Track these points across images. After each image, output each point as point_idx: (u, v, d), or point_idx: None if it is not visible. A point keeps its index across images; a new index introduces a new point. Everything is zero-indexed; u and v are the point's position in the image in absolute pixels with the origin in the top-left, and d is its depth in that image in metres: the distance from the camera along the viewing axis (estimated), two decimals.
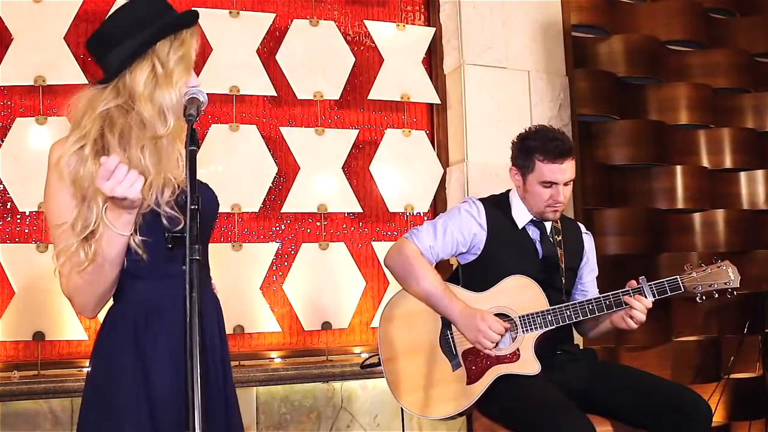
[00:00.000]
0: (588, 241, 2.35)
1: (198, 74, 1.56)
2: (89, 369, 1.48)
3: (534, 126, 2.24)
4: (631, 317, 2.03)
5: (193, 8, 1.50)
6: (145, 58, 1.41)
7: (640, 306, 2.01)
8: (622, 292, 2.04)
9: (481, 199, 2.27)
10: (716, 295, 2.06)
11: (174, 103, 1.40)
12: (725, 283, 2.03)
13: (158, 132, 1.39)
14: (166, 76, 1.41)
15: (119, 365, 1.40)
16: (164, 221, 1.37)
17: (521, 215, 2.22)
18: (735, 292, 2.06)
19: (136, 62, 1.40)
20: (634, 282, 2.05)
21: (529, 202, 2.20)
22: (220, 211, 1.70)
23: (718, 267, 2.04)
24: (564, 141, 2.14)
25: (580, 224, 2.40)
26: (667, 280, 2.03)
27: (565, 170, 2.13)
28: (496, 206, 2.25)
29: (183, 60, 1.43)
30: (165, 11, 1.45)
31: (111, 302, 1.48)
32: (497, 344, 2.04)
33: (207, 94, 1.41)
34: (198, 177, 1.55)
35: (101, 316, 1.51)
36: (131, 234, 1.36)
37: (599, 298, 2.06)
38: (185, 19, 1.45)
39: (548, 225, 2.24)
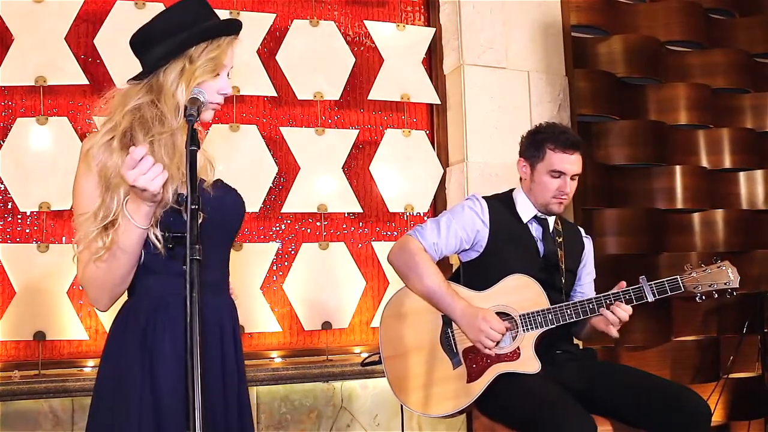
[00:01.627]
0: (587, 244, 2.38)
1: None
2: (100, 367, 1.48)
3: (544, 122, 2.32)
4: (611, 323, 2.05)
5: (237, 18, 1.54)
6: (180, 57, 1.44)
7: (613, 318, 2.03)
8: (622, 291, 2.05)
9: (484, 197, 2.28)
10: (716, 295, 2.06)
11: (187, 98, 1.42)
12: (725, 284, 2.04)
13: (171, 126, 1.42)
14: (190, 72, 1.43)
15: (127, 363, 1.41)
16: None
17: (525, 211, 2.25)
18: (734, 293, 2.07)
19: (172, 61, 1.44)
20: (623, 283, 2.07)
21: (535, 194, 2.22)
22: None
23: (718, 267, 2.05)
24: (574, 134, 2.24)
25: (580, 228, 2.43)
26: (667, 280, 2.04)
27: (574, 162, 2.19)
28: (500, 203, 2.27)
29: (212, 61, 1.45)
30: (209, 16, 1.48)
31: (125, 297, 1.49)
32: (498, 343, 2.05)
33: None
34: (226, 182, 1.59)
35: (110, 316, 1.52)
36: (151, 227, 1.38)
37: (600, 297, 2.07)
38: (226, 26, 1.49)
39: (551, 224, 2.26)
